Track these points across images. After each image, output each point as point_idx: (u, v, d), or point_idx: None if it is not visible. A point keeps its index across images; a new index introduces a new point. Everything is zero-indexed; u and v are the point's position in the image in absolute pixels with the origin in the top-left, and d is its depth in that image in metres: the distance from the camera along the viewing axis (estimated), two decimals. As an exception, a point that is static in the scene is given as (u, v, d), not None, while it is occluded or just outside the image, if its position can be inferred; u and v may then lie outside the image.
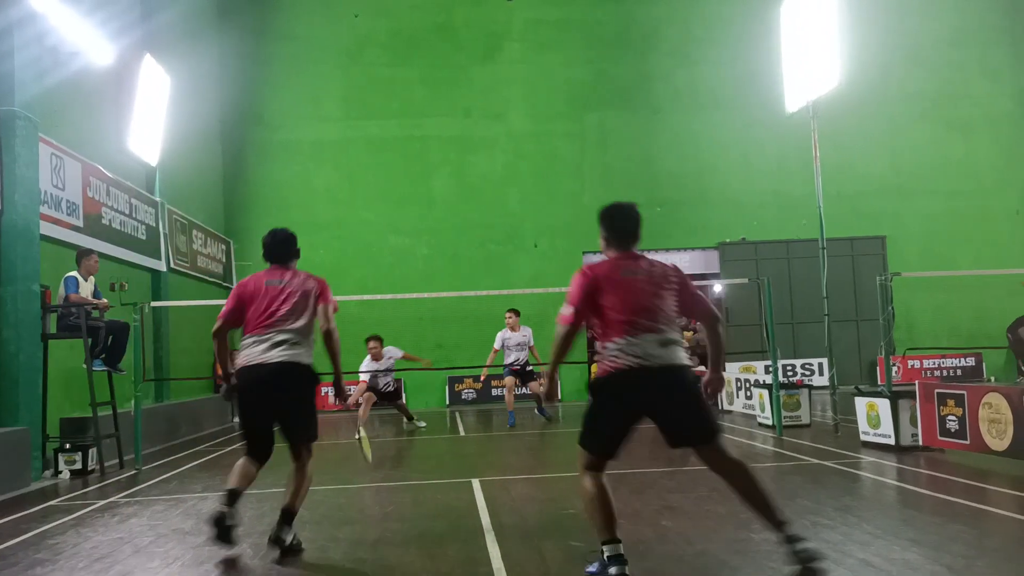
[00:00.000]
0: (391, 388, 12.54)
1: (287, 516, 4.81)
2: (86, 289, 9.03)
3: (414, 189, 18.34)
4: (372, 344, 11.95)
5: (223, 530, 4.65)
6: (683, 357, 4.04)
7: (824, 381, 15.30)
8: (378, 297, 11.69)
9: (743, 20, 18.16)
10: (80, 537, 5.52)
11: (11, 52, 8.63)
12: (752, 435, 10.00)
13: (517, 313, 12.80)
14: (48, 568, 4.72)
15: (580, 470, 4.07)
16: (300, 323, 4.90)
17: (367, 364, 12.04)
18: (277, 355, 4.80)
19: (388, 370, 12.23)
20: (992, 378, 17.34)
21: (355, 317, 11.31)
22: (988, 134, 18.99)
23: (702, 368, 17.58)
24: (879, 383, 15.42)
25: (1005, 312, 17.30)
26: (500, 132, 18.57)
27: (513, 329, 12.67)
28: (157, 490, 7.51)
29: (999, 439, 6.74)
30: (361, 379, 12.04)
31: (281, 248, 5.13)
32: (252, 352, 4.87)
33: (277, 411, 4.93)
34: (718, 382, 4.23)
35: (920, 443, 7.79)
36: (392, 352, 12.26)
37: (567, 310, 4.11)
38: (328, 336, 5.00)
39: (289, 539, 4.79)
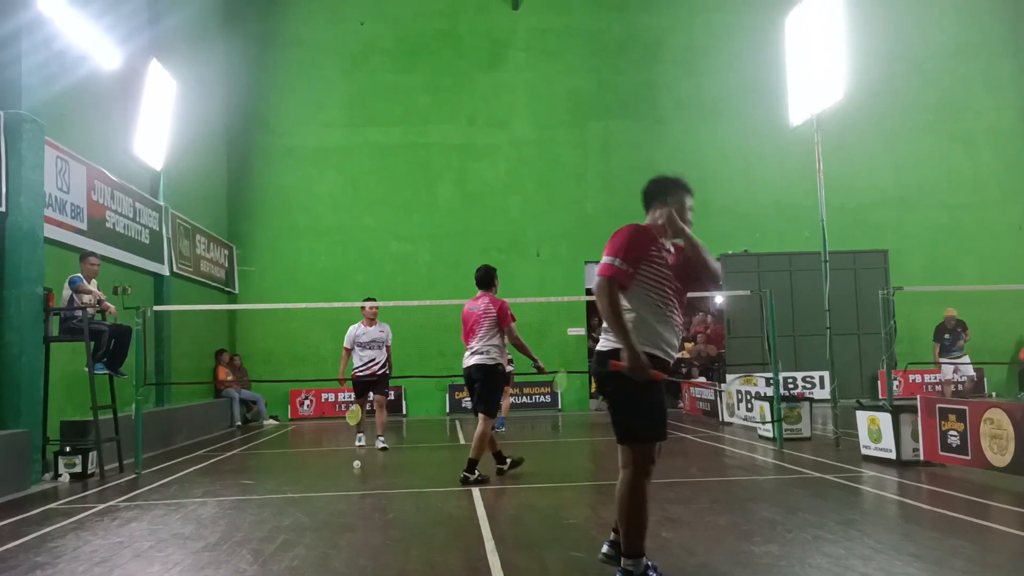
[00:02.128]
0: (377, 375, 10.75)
1: (471, 464, 7.54)
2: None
3: (417, 196, 18.37)
4: (369, 305, 10.91)
5: (476, 482, 7.45)
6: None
7: (825, 394, 15.28)
8: (380, 304, 11.66)
9: (748, 31, 18.22)
10: (80, 540, 5.51)
11: (19, 57, 8.64)
12: (753, 447, 9.98)
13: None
14: (48, 571, 4.71)
15: (638, 471, 3.86)
16: (484, 338, 7.69)
17: (356, 330, 10.78)
18: (471, 360, 7.74)
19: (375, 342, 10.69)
20: (994, 393, 17.31)
21: (355, 323, 11.28)
22: (991, 147, 19.02)
23: (703, 379, 17.57)
24: (880, 397, 15.41)
25: (1008, 327, 17.32)
26: (503, 140, 18.60)
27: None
28: (157, 494, 7.51)
29: (1000, 455, 6.73)
30: (352, 382, 10.82)
31: (481, 279, 7.92)
32: (465, 357, 7.85)
33: (474, 393, 7.81)
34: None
35: (921, 458, 7.77)
36: (387, 332, 10.88)
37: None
38: (515, 343, 7.81)
39: (472, 477, 7.47)
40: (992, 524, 5.41)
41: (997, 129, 19.05)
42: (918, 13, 18.86)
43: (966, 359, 13.88)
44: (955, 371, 13.85)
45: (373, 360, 10.67)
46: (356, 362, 10.75)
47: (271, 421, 16.44)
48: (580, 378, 17.93)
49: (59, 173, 9.68)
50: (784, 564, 4.43)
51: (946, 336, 13.84)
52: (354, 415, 10.30)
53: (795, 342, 17.11)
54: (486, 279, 7.92)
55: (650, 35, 18.90)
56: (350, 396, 16.67)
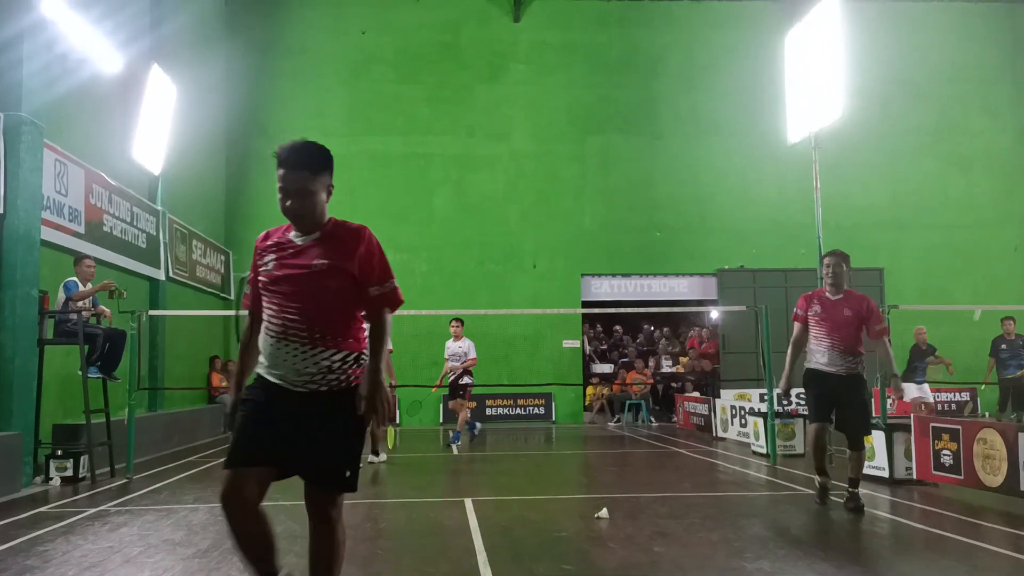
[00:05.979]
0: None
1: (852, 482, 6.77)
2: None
3: (415, 205, 18.38)
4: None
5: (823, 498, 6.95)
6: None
7: (819, 411, 15.24)
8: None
9: (747, 49, 18.33)
10: (70, 545, 5.49)
11: (20, 60, 8.66)
12: (746, 463, 9.98)
13: (461, 323, 12.33)
14: (37, 575, 4.69)
15: (340, 518, 3.32)
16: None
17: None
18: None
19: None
20: (987, 414, 17.32)
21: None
22: (987, 169, 19.13)
23: (696, 394, 17.47)
24: (874, 415, 15.36)
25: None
26: (502, 152, 18.65)
27: (456, 339, 12.26)
28: (148, 500, 7.48)
29: (993, 475, 6.75)
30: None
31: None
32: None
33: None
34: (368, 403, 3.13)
35: (914, 477, 7.79)
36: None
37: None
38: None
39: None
40: (983, 544, 5.41)
41: (993, 152, 19.17)
42: (917, 36, 19.00)
43: (926, 385, 13.31)
44: (919, 389, 13.14)
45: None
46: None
47: None
48: (574, 390, 17.93)
49: (57, 176, 9.68)
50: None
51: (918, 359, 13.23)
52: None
53: (790, 359, 17.10)
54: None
55: (650, 51, 19.00)
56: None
